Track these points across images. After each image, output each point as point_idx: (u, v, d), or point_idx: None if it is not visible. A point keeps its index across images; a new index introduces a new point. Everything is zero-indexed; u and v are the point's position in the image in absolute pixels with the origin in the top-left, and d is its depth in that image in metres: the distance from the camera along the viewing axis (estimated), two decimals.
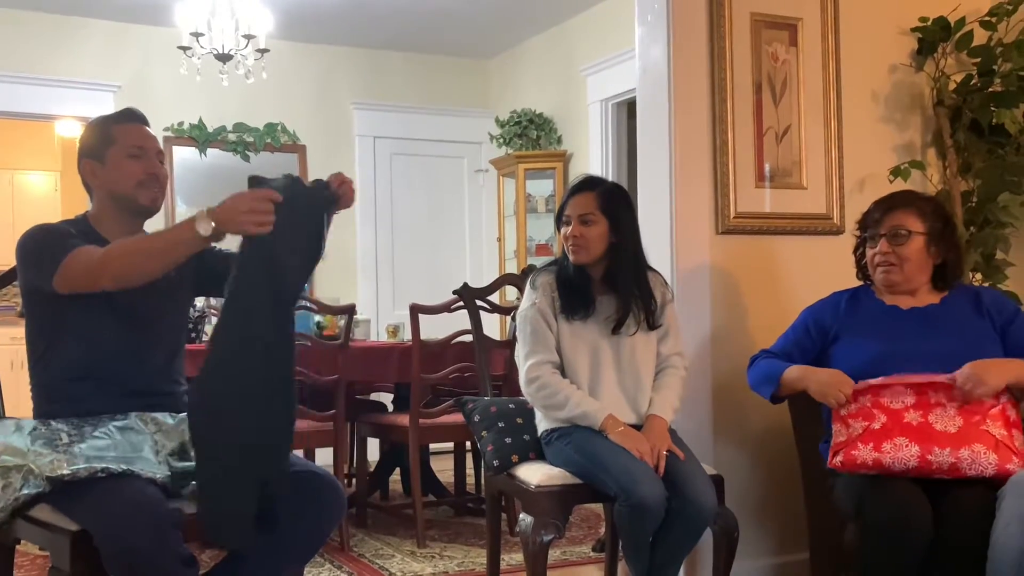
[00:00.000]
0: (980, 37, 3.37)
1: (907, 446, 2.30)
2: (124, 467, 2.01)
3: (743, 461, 3.09)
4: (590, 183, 2.75)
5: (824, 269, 3.11)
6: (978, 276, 3.36)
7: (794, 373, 2.58)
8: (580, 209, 2.69)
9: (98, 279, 2.08)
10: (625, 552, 2.59)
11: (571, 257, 2.69)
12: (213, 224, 1.98)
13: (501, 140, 6.32)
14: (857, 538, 2.34)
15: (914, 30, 3.38)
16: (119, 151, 2.26)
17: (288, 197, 1.99)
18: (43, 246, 2.17)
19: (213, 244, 2.06)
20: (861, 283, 2.74)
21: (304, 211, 2.03)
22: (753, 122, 3.14)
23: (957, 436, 2.29)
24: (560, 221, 2.75)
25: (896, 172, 3.29)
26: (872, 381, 2.41)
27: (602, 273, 2.71)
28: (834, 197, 3.25)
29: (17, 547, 2.39)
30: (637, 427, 2.61)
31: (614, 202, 2.70)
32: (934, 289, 2.62)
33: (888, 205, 2.60)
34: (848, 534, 2.41)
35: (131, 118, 2.33)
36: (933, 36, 3.36)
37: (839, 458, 2.39)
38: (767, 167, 3.16)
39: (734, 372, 3.09)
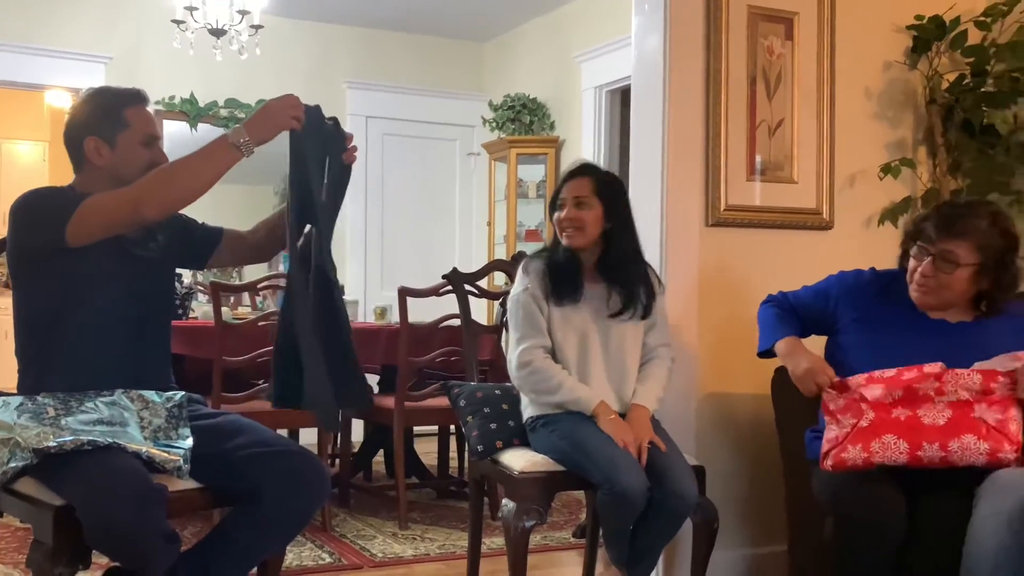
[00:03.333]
0: (974, 37, 3.37)
1: (895, 443, 2.28)
2: (110, 440, 2.02)
3: (726, 452, 3.11)
4: (587, 168, 2.77)
5: (813, 264, 3.10)
6: None
7: (784, 348, 2.55)
8: (576, 192, 2.69)
9: (140, 208, 2.09)
10: (605, 539, 2.61)
11: (565, 240, 2.70)
12: (246, 136, 2.09)
13: (494, 124, 6.31)
14: (833, 532, 2.35)
15: (909, 28, 3.39)
16: (132, 136, 2.26)
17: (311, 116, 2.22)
18: (48, 203, 2.17)
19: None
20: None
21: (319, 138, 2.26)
22: (747, 115, 3.14)
23: (946, 428, 2.27)
24: (555, 206, 2.75)
25: (887, 169, 3.30)
26: (857, 379, 2.38)
27: (594, 260, 2.72)
28: (824, 192, 3.26)
29: None
30: (621, 415, 2.63)
31: (610, 188, 2.71)
32: (970, 308, 2.51)
33: (948, 230, 2.39)
34: (827, 527, 2.41)
35: (142, 100, 2.31)
36: (928, 34, 3.36)
37: (829, 461, 2.35)
38: (759, 160, 3.16)
39: (719, 363, 3.11)
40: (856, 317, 2.57)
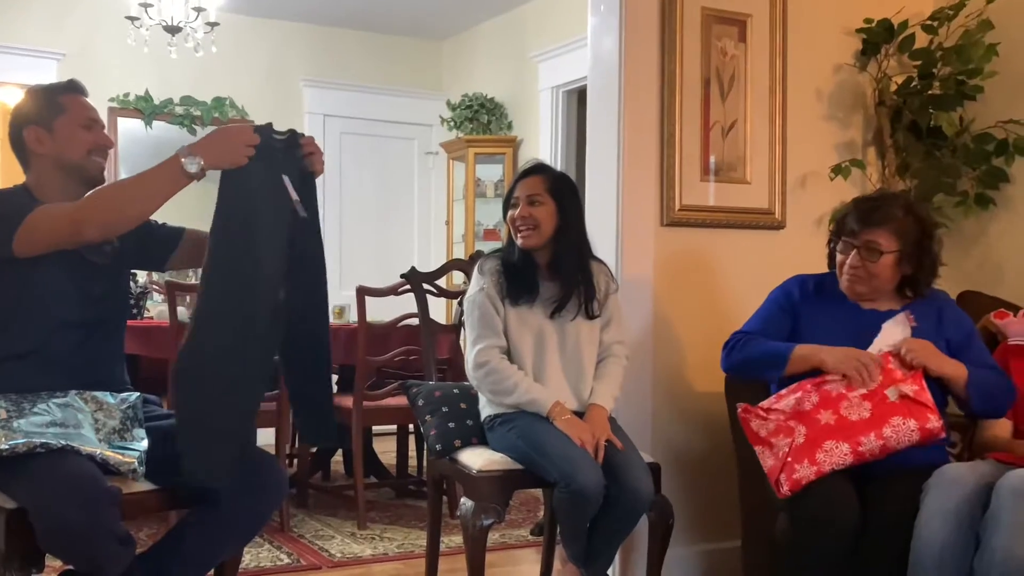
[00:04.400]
0: (922, 40, 3.44)
1: (837, 447, 2.34)
2: (63, 442, 2.00)
3: (681, 449, 3.15)
4: (539, 168, 2.79)
5: (765, 263, 3.17)
6: None
7: (804, 350, 2.52)
8: (529, 190, 2.72)
9: (81, 229, 2.07)
10: (563, 537, 2.64)
11: (520, 240, 2.71)
12: (201, 161, 2.02)
13: (452, 123, 6.31)
14: (787, 528, 2.39)
15: (859, 31, 3.45)
16: (70, 120, 2.25)
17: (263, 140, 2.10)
18: None
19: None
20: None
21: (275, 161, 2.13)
22: (701, 116, 3.18)
23: (873, 419, 2.35)
24: (508, 205, 2.77)
25: (837, 170, 3.36)
26: (768, 402, 2.47)
27: (548, 259, 2.74)
28: (776, 192, 3.31)
29: None
30: (579, 413, 2.65)
31: (561, 187, 2.74)
32: (897, 295, 2.62)
33: (868, 220, 2.53)
34: (780, 523, 2.46)
35: (78, 89, 2.31)
36: (877, 38, 3.43)
37: (785, 487, 2.36)
38: (712, 161, 3.21)
39: (674, 362, 3.15)
40: (800, 309, 2.66)
